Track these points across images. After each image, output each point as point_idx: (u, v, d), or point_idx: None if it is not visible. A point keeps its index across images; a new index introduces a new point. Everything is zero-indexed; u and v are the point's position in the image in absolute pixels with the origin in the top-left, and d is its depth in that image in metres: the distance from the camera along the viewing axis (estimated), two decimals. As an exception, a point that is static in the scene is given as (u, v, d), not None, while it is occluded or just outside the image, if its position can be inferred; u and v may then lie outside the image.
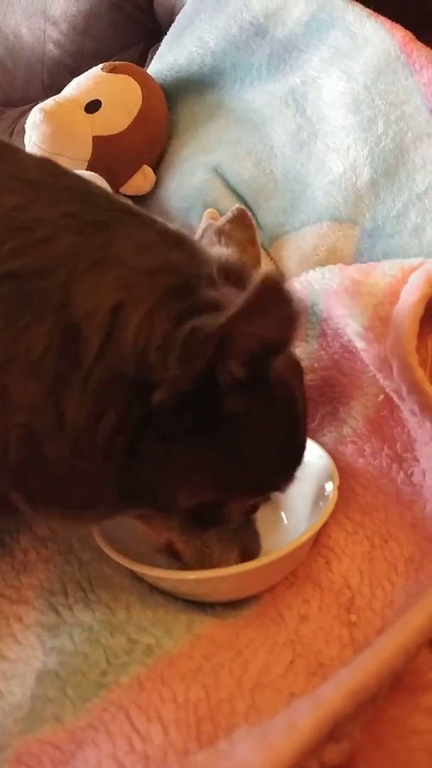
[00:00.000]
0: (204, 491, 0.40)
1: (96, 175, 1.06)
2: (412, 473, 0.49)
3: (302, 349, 0.55)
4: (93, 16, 1.45)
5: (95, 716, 0.34)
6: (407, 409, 0.47)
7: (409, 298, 0.47)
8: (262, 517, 0.47)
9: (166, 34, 1.32)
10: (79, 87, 1.15)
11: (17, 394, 0.37)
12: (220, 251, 0.49)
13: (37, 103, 1.60)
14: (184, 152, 1.15)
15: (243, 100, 1.12)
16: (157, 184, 1.17)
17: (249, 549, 0.45)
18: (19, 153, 0.46)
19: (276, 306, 0.33)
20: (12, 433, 0.37)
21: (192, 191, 1.10)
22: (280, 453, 0.43)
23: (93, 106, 1.12)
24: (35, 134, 1.11)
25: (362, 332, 0.47)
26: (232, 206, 1.08)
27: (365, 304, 0.49)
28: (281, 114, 1.06)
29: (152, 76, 1.24)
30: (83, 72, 1.52)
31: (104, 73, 1.15)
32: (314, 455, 0.50)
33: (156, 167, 1.18)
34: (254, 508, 0.46)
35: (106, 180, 1.12)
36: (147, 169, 1.16)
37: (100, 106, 1.12)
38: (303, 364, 0.54)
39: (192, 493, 0.40)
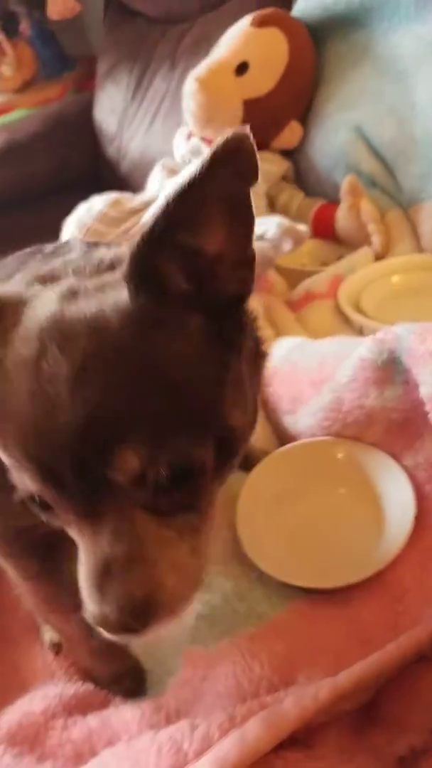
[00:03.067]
0: None
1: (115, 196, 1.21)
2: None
3: (390, 392, 0.68)
4: None
5: (225, 649, 0.59)
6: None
7: None
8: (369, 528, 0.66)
9: None
10: (228, 48, 1.22)
11: None
12: None
13: (195, 21, 1.67)
14: (329, 107, 1.19)
15: (389, 42, 1.12)
16: (304, 138, 1.24)
17: None
18: None
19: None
20: None
21: (336, 151, 1.17)
22: None
23: (242, 68, 1.20)
24: (191, 102, 1.23)
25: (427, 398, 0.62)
26: (373, 167, 1.14)
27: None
28: (426, 64, 1.06)
29: (299, 14, 1.25)
30: (238, -10, 1.54)
31: (252, 29, 1.19)
32: (402, 478, 0.67)
33: (303, 120, 1.25)
34: None
35: (256, 138, 1.23)
36: (295, 125, 1.23)
37: (248, 68, 1.20)
38: (389, 404, 0.70)
39: None
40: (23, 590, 0.68)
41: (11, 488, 0.53)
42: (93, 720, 0.63)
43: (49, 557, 0.64)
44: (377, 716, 0.54)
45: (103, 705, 0.67)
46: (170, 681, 0.63)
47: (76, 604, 0.69)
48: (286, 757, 0.46)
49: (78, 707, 0.66)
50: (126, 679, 0.68)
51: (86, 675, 0.70)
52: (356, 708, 0.51)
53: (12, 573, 0.66)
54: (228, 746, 0.45)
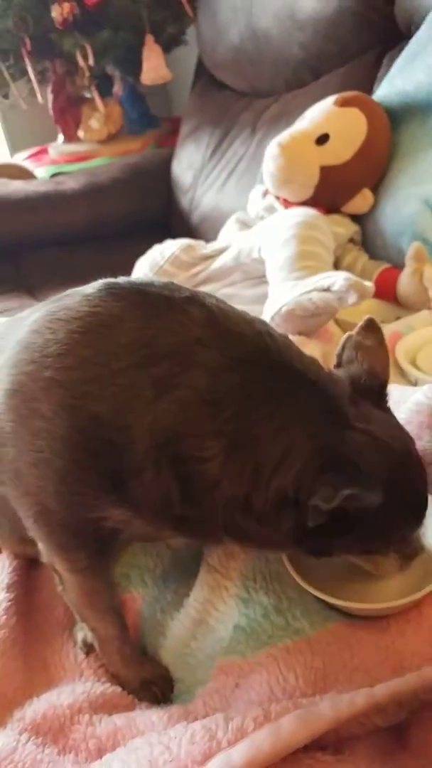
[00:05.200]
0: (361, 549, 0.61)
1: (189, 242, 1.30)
2: None
3: (428, 439, 0.73)
4: (336, 22, 1.56)
5: (262, 659, 0.59)
6: None
7: None
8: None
9: (403, 39, 1.40)
10: (311, 121, 1.32)
11: (226, 488, 0.55)
12: (355, 370, 0.63)
13: (280, 96, 1.81)
14: (401, 180, 1.27)
15: (463, 130, 1.20)
16: (375, 205, 1.32)
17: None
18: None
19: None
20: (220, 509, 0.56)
21: (404, 219, 1.23)
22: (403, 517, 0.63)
23: (322, 139, 1.30)
24: (272, 164, 1.32)
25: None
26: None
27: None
28: None
29: (381, 98, 1.35)
30: (323, 72, 1.67)
31: (335, 108, 1.30)
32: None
33: (375, 189, 1.32)
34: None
35: (329, 201, 1.31)
36: (367, 192, 1.31)
37: (328, 139, 1.29)
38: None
39: (355, 549, 0.61)
40: (67, 584, 0.69)
41: (89, 481, 0.58)
42: (119, 719, 0.64)
43: (99, 553, 0.66)
44: (409, 744, 0.54)
45: (130, 707, 0.67)
46: (200, 690, 0.64)
47: (115, 606, 0.72)
48: (316, 758, 0.47)
49: (105, 706, 0.67)
50: (154, 687, 0.69)
51: (115, 678, 0.71)
52: (389, 726, 0.52)
53: (60, 565, 0.67)
54: (262, 737, 0.46)
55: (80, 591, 0.69)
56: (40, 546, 0.67)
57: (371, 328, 0.68)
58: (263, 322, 0.61)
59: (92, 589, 0.69)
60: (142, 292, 0.58)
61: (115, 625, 0.71)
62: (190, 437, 0.54)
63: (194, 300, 0.58)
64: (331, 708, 0.48)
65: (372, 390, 0.63)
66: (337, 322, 1.13)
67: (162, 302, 0.57)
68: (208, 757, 0.48)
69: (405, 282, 1.17)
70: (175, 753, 0.50)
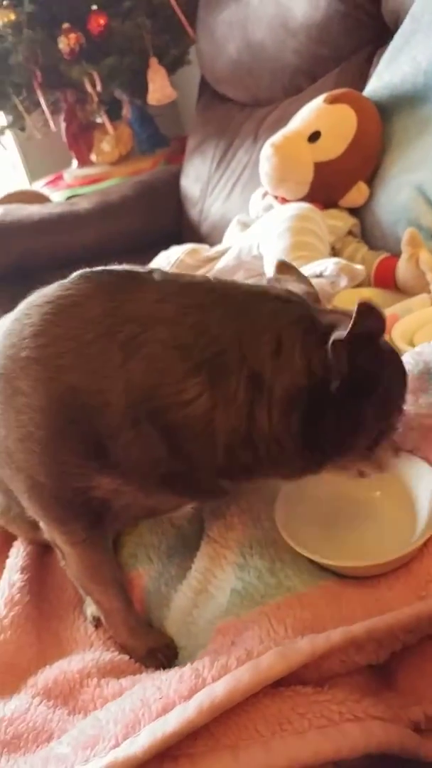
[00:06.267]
0: (371, 430, 0.61)
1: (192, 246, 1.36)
2: None
3: (423, 399, 0.74)
4: (327, 26, 1.61)
5: (255, 616, 0.62)
6: None
7: None
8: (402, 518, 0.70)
9: (392, 36, 1.44)
10: (302, 120, 1.36)
11: (221, 423, 0.58)
12: (300, 287, 0.67)
13: (279, 104, 1.86)
14: (394, 169, 1.30)
15: (450, 116, 1.23)
16: (370, 197, 1.34)
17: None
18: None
19: (371, 316, 0.54)
20: (220, 448, 0.59)
21: (399, 207, 1.26)
22: (400, 388, 0.64)
23: (314, 136, 1.34)
24: (266, 164, 1.37)
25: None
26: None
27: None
28: None
29: (370, 93, 1.39)
30: (318, 75, 1.71)
31: (325, 105, 1.34)
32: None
33: (370, 181, 1.35)
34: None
35: (326, 196, 1.34)
36: (362, 185, 1.34)
37: (320, 136, 1.33)
38: (422, 410, 0.74)
39: (365, 435, 0.61)
40: (68, 558, 0.73)
41: (71, 448, 0.62)
42: (125, 681, 0.67)
43: (94, 526, 0.70)
44: (394, 684, 0.56)
45: (136, 673, 0.70)
46: (201, 652, 0.67)
47: (117, 579, 0.75)
48: (296, 690, 0.49)
49: (112, 671, 0.70)
50: (160, 654, 0.72)
51: (123, 648, 0.75)
52: (374, 665, 0.53)
53: (59, 539, 0.71)
54: (242, 671, 0.49)
55: (81, 564, 0.73)
56: (40, 523, 0.71)
57: (283, 268, 0.73)
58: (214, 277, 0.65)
59: (92, 562, 0.72)
60: (111, 273, 0.63)
61: (119, 597, 0.74)
62: (166, 386, 0.57)
63: (156, 270, 0.63)
64: (308, 643, 0.51)
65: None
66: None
67: (127, 278, 0.62)
68: (194, 692, 0.50)
69: (402, 268, 1.19)
70: (165, 692, 0.52)
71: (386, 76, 1.35)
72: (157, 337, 0.58)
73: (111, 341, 0.58)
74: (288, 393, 0.58)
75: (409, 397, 0.75)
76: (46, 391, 0.60)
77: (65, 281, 0.65)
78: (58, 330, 0.60)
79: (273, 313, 0.60)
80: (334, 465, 0.65)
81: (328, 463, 0.64)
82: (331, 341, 0.56)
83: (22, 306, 0.66)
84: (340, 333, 0.55)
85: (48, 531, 0.71)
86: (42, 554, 0.88)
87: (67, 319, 0.61)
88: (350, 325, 0.54)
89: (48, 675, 0.70)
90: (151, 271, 0.63)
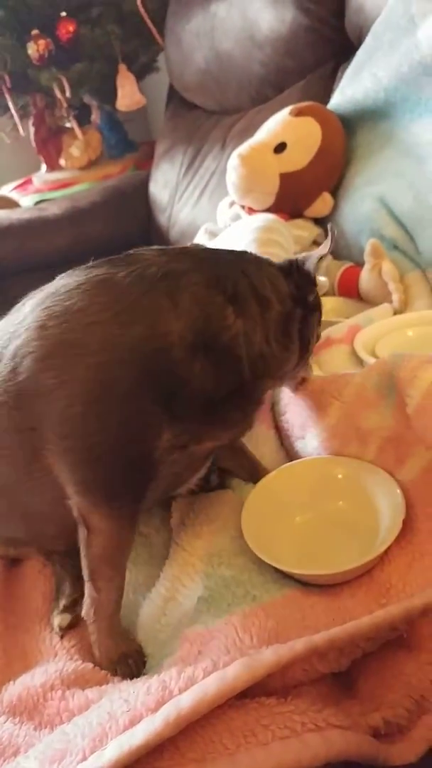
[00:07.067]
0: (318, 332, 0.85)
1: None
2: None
3: (385, 403, 0.77)
4: (292, 39, 1.64)
5: (221, 625, 0.63)
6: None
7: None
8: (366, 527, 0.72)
9: (355, 51, 1.47)
10: (269, 131, 1.38)
11: (249, 339, 0.71)
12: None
13: (246, 112, 1.88)
14: (357, 181, 1.33)
15: (411, 132, 1.26)
16: (335, 207, 1.37)
17: None
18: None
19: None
20: (245, 363, 0.71)
21: (361, 218, 1.29)
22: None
23: (280, 148, 1.36)
24: (233, 174, 1.38)
25: (413, 415, 0.69)
26: (394, 233, 1.26)
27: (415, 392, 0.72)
28: (443, 149, 1.19)
29: (334, 107, 1.42)
30: (284, 86, 1.74)
31: (290, 118, 1.36)
32: (395, 490, 0.72)
33: (334, 192, 1.38)
34: None
35: (291, 206, 1.37)
36: (326, 196, 1.37)
37: (285, 147, 1.35)
38: (386, 422, 0.77)
39: (317, 336, 0.85)
40: (96, 537, 0.69)
41: (149, 397, 0.65)
42: (91, 692, 0.68)
43: (139, 499, 0.69)
44: (355, 691, 0.57)
45: (101, 682, 0.71)
46: (167, 660, 0.68)
47: (125, 569, 0.74)
48: (261, 701, 0.51)
49: (77, 681, 0.70)
50: (130, 660, 0.72)
51: (94, 648, 0.73)
52: (336, 674, 0.55)
53: (98, 515, 0.68)
54: (209, 683, 0.50)
55: (110, 542, 0.70)
56: (79, 500, 0.67)
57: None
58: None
59: (121, 542, 0.71)
60: (112, 258, 0.72)
61: (119, 591, 0.73)
62: (214, 315, 0.69)
63: (141, 248, 0.76)
64: (273, 653, 0.52)
65: None
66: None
67: (129, 256, 0.72)
68: (161, 704, 0.51)
69: (365, 278, 1.22)
70: (132, 704, 0.53)
71: (349, 91, 1.38)
72: (192, 281, 0.68)
73: (156, 294, 0.66)
74: (285, 309, 0.75)
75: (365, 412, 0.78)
76: (120, 345, 0.65)
77: (72, 271, 0.72)
78: (104, 298, 0.66)
79: (256, 260, 0.78)
80: (304, 364, 0.83)
81: (308, 357, 0.82)
82: (300, 269, 0.79)
83: (42, 298, 0.70)
84: (312, 261, 0.79)
85: (86, 507, 0.68)
86: (9, 566, 0.88)
87: (107, 289, 0.67)
88: (316, 255, 0.80)
89: (12, 692, 0.70)
90: (138, 249, 0.73)
